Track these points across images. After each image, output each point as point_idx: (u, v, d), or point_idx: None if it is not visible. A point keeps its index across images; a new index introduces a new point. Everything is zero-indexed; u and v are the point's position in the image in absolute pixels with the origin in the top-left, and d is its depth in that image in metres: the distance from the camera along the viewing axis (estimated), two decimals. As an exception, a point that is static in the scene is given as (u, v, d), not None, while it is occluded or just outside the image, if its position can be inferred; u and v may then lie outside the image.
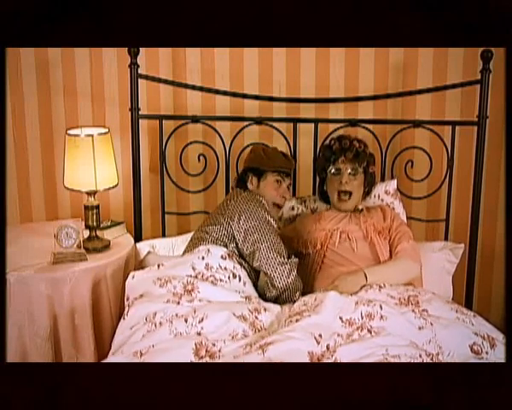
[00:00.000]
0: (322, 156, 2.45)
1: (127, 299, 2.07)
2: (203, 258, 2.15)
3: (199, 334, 1.82)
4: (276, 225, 2.26)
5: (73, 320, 2.31)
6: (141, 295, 2.03)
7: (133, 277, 2.12)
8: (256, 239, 2.16)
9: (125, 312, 1.99)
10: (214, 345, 1.77)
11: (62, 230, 2.38)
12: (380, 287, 2.06)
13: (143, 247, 2.51)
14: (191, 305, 1.95)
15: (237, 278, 2.14)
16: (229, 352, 1.75)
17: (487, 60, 2.39)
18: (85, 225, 2.54)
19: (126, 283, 2.12)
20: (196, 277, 2.08)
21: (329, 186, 2.43)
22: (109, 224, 2.69)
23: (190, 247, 2.30)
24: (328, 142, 2.48)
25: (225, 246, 2.22)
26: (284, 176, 2.40)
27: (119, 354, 1.80)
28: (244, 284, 2.15)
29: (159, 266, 2.15)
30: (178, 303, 1.95)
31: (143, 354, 1.73)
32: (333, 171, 2.39)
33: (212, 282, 2.08)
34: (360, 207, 2.42)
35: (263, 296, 2.18)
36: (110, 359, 1.78)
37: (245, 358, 1.69)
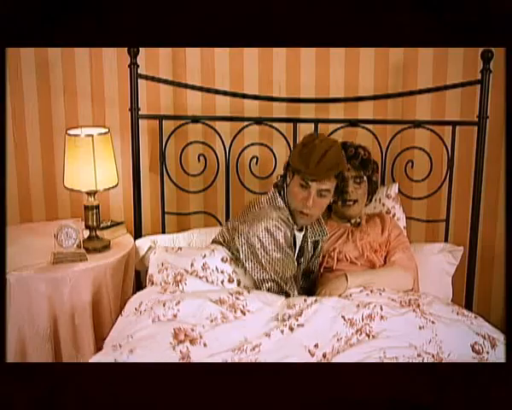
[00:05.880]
0: None
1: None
2: (204, 256, 2.16)
3: (175, 316, 1.86)
4: (285, 242, 2.10)
5: (73, 320, 2.32)
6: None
7: (154, 253, 2.27)
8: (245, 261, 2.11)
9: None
10: (193, 330, 1.79)
11: (62, 230, 2.38)
12: (380, 291, 2.06)
13: (143, 243, 2.52)
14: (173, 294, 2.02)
15: (235, 282, 2.13)
16: (220, 358, 1.73)
17: (487, 60, 2.39)
18: (85, 225, 2.54)
19: (150, 256, 2.28)
20: (191, 273, 2.12)
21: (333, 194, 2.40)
22: (109, 224, 2.69)
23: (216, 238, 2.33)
24: None
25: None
26: (310, 181, 2.10)
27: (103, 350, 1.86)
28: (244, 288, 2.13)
29: (180, 248, 2.30)
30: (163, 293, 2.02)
31: (122, 346, 1.76)
32: None
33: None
34: (359, 219, 2.41)
35: None
36: (94, 357, 1.80)
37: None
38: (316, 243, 2.28)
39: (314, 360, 1.73)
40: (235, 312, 1.89)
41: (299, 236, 2.24)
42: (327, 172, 2.08)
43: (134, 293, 2.49)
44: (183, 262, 2.16)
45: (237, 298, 1.94)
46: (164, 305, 1.91)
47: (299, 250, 2.25)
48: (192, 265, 2.15)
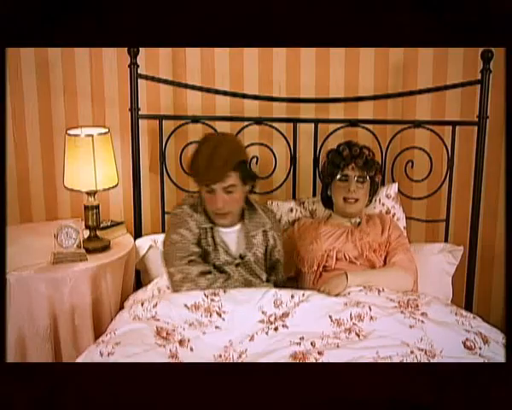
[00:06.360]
0: (331, 162, 2.40)
1: None
2: (157, 283, 2.34)
3: (153, 317, 1.92)
4: (188, 232, 2.12)
5: (73, 320, 2.31)
6: None
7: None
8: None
9: None
10: (174, 330, 1.85)
11: (62, 230, 2.38)
12: (379, 291, 2.06)
13: (143, 243, 2.52)
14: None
15: None
16: (205, 357, 1.75)
17: (487, 60, 2.39)
18: (85, 225, 2.54)
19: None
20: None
21: (335, 192, 2.38)
22: (109, 224, 2.69)
23: None
24: (336, 147, 2.43)
25: None
26: (210, 184, 2.04)
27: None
28: None
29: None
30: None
31: (105, 341, 1.81)
32: (340, 177, 2.36)
33: None
34: (359, 219, 2.42)
35: None
36: (81, 355, 1.84)
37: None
38: (265, 234, 2.23)
39: (302, 347, 1.74)
40: (210, 316, 1.91)
41: (230, 230, 2.19)
42: (218, 173, 2.02)
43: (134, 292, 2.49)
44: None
45: (212, 300, 1.95)
46: (142, 305, 1.98)
47: (247, 243, 2.18)
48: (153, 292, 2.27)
